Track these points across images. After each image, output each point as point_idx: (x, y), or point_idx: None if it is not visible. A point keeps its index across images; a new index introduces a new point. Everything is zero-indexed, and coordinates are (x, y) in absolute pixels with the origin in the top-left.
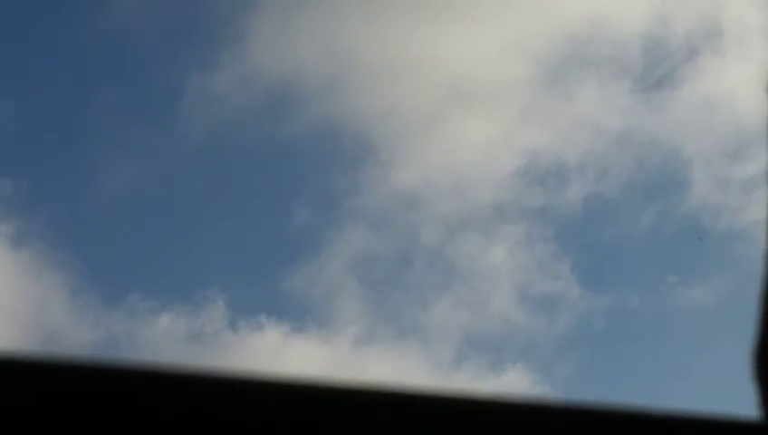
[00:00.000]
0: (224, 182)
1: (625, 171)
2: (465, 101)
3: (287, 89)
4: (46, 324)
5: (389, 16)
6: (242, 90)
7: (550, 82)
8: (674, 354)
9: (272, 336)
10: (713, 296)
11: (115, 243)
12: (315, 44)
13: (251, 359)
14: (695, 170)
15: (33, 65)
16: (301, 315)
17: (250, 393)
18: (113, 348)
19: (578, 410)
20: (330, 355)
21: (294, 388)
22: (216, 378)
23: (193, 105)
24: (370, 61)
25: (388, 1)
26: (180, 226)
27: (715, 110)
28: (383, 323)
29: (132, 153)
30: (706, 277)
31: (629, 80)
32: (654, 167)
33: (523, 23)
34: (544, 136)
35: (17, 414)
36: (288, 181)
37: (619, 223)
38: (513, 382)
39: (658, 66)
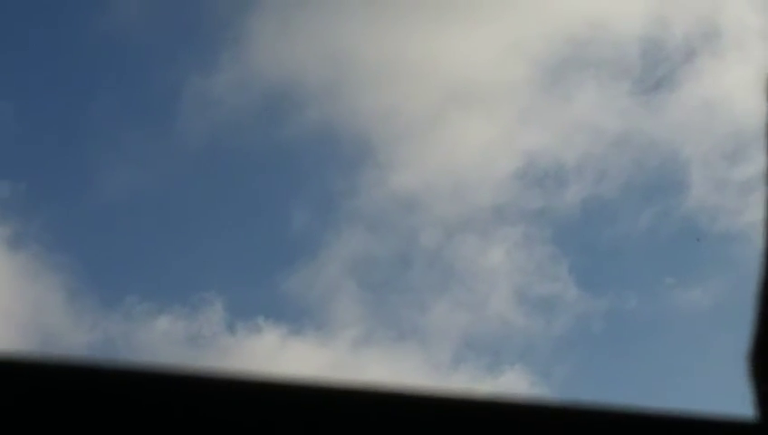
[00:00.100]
0: (222, 184)
1: (623, 173)
2: (464, 102)
3: (286, 91)
4: (43, 326)
5: (388, 18)
6: (240, 92)
7: (548, 84)
8: (672, 356)
9: (270, 339)
10: (711, 298)
11: (113, 245)
12: (314, 46)
13: (249, 361)
14: (693, 172)
15: (31, 67)
16: (299, 318)
17: (248, 394)
18: (111, 350)
19: (576, 410)
20: (328, 357)
21: (292, 389)
22: (214, 379)
23: (191, 107)
24: (369, 63)
25: (387, 3)
26: (178, 228)
27: (714, 111)
28: (381, 325)
29: (130, 155)
30: (704, 279)
31: (628, 81)
32: (652, 168)
33: (521, 25)
34: (543, 138)
35: (15, 414)
36: (287, 183)
37: (617, 224)
38: (512, 384)
39: (657, 68)
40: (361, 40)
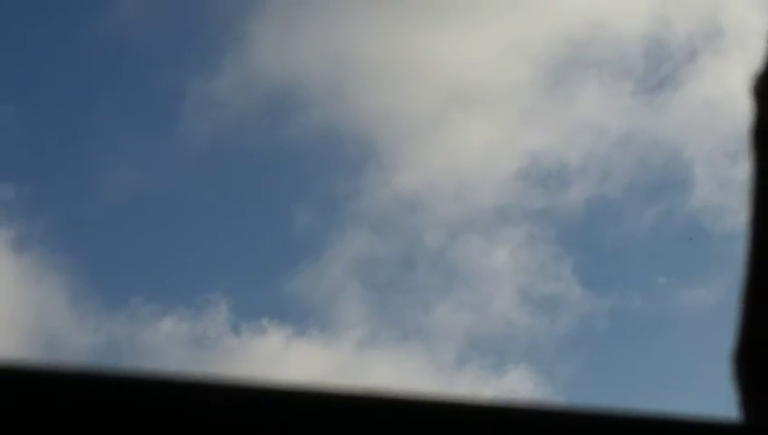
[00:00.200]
0: (225, 185)
1: (627, 173)
2: (467, 103)
3: (289, 92)
4: (47, 329)
5: (390, 20)
6: (243, 93)
7: (551, 84)
8: (676, 355)
9: (274, 340)
10: (715, 297)
11: (116, 247)
12: (316, 47)
13: (253, 363)
14: (696, 171)
15: (33, 69)
16: (303, 319)
17: (250, 400)
18: (115, 352)
19: (578, 414)
20: (332, 358)
21: (295, 395)
22: (215, 385)
23: (194, 108)
24: (372, 64)
25: (389, 4)
26: (182, 229)
27: (717, 110)
28: (386, 325)
29: (133, 156)
30: (709, 278)
31: (631, 81)
32: (656, 168)
33: (523, 25)
34: (546, 138)
35: (17, 422)
36: (290, 185)
37: (621, 224)
38: (516, 384)
39: (659, 67)
40: (364, 41)
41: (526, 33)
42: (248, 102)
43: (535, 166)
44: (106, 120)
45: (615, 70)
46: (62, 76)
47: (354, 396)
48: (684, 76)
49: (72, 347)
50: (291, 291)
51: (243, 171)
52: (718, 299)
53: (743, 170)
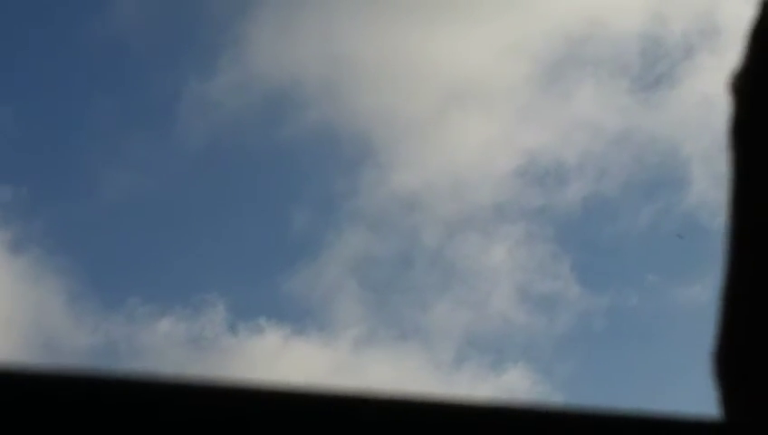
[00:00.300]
0: (223, 186)
1: (624, 170)
2: (464, 101)
3: (286, 92)
4: (45, 330)
5: (386, 19)
6: (240, 93)
7: (547, 82)
8: (673, 352)
9: (272, 339)
10: (712, 294)
11: (114, 247)
12: (313, 47)
13: (251, 362)
14: (693, 168)
15: (31, 71)
16: (301, 318)
17: (250, 402)
18: (113, 353)
19: (576, 414)
20: (330, 358)
21: (292, 396)
22: (212, 387)
23: (191, 109)
24: (368, 63)
25: (385, 3)
26: (179, 229)
27: (713, 107)
28: (384, 324)
29: (131, 158)
30: (705, 275)
31: (627, 79)
32: (653, 165)
33: (520, 23)
34: (543, 136)
35: (14, 426)
36: (287, 184)
37: (618, 222)
38: (514, 382)
39: (656, 65)
40: (360, 40)
41: (523, 32)
42: (245, 102)
43: (532, 164)
44: (103, 121)
45: (612, 68)
46: (60, 78)
47: (352, 397)
48: (680, 74)
49: (70, 348)
50: (288, 290)
51: (240, 171)
52: (716, 296)
53: None
